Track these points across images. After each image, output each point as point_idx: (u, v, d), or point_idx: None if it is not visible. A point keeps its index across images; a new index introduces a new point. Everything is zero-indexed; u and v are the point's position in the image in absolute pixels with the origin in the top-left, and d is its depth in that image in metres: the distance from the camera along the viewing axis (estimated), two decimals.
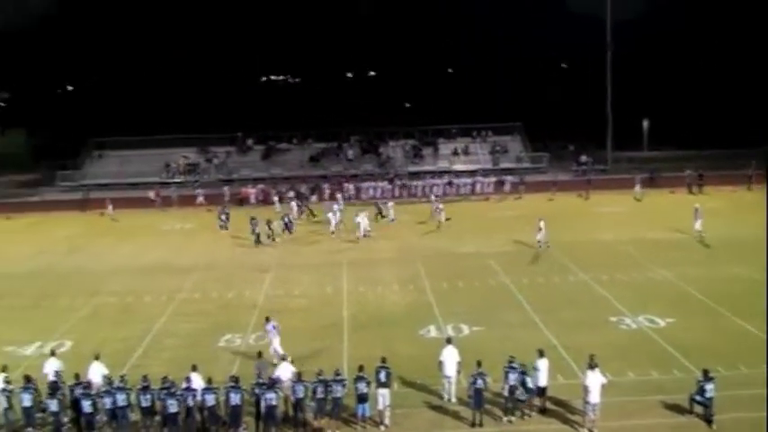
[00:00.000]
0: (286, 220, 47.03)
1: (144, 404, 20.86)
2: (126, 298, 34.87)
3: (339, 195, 55.52)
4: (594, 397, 20.54)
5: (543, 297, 32.55)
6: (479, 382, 21.11)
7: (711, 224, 42.61)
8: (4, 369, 22.43)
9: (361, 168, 66.07)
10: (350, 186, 60.65)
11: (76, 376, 21.73)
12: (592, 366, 20.86)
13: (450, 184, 61.19)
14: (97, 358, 23.06)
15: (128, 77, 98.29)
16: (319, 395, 20.99)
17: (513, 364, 21.55)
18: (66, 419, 21.28)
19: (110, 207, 56.98)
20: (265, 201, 58.21)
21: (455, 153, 67.79)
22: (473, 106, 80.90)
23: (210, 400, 20.80)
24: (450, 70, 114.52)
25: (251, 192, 59.45)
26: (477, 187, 61.27)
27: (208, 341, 28.18)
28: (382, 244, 44.65)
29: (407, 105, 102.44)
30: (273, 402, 20.68)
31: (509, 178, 61.63)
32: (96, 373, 22.53)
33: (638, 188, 56.84)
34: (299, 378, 21.23)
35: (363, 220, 46.54)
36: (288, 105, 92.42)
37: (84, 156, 69.24)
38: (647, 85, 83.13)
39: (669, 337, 26.86)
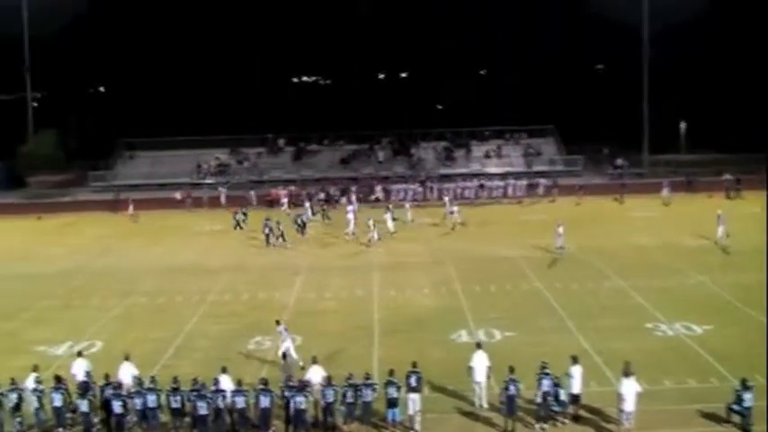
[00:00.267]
0: (299, 221, 47.46)
1: (174, 405, 21.00)
2: (157, 299, 35.21)
3: (353, 197, 55.71)
4: (629, 405, 20.32)
5: (577, 302, 32.35)
6: (512, 388, 20.98)
7: (748, 230, 41.95)
8: (35, 369, 22.66)
9: (392, 170, 66.10)
10: (378, 188, 60.52)
11: (106, 377, 21.95)
12: (627, 374, 20.64)
13: (481, 186, 60.96)
14: (127, 359, 23.27)
15: (160, 78, 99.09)
16: (349, 399, 20.98)
17: (546, 371, 21.42)
18: (96, 420, 21.48)
19: (130, 207, 57.52)
20: (295, 203, 58.40)
21: (487, 155, 67.63)
22: (506, 108, 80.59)
23: (240, 402, 20.89)
24: (482, 72, 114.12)
25: (281, 193, 59.70)
26: (510, 190, 60.93)
27: (238, 343, 28.32)
28: (412, 247, 44.67)
29: (439, 107, 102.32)
30: (303, 406, 20.71)
31: (542, 181, 61.28)
32: (126, 373, 22.74)
33: (665, 192, 56.27)
34: (329, 382, 21.24)
35: (389, 221, 47.05)
36: (319, 106, 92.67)
37: (115, 156, 70.02)
38: (684, 86, 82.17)
39: (706, 345, 26.55)
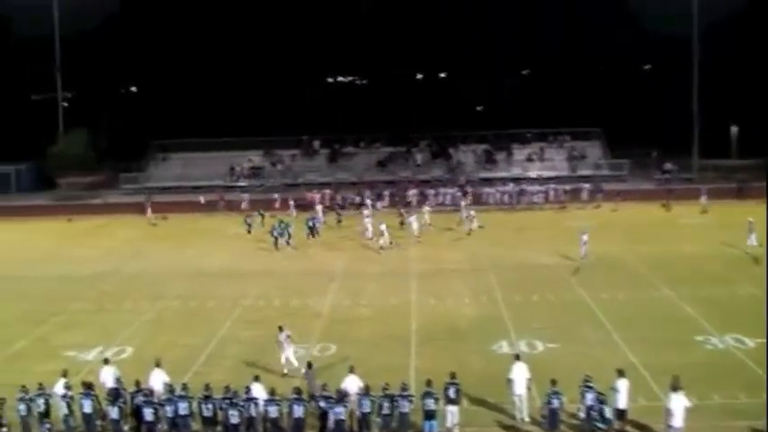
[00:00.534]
0: (311, 224, 48.21)
1: (206, 413, 21.17)
2: (189, 303, 35.56)
3: (368, 201, 55.77)
4: (678, 421, 20.10)
5: (623, 313, 32.03)
6: (555, 401, 20.85)
7: None
8: (65, 374, 22.94)
9: (430, 174, 66.03)
10: (411, 192, 60.46)
11: (137, 383, 22.18)
12: (675, 388, 20.42)
13: (522, 192, 60.59)
14: (158, 365, 23.49)
15: (192, 78, 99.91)
16: (385, 411, 20.96)
17: (590, 384, 21.23)
18: (126, 428, 21.67)
19: (149, 210, 58.10)
20: (331, 206, 58.57)
21: (530, 159, 67.34)
22: (549, 109, 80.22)
23: (273, 411, 20.96)
24: (525, 71, 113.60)
25: (316, 197, 59.89)
26: (552, 195, 60.53)
27: (271, 350, 28.35)
28: (451, 254, 44.65)
29: (480, 108, 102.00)
30: (342, 417, 20.70)
31: (586, 186, 60.74)
32: (157, 380, 22.93)
33: (703, 199, 55.53)
34: (366, 392, 21.27)
35: (414, 224, 47.85)
36: (355, 107, 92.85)
37: (147, 158, 70.82)
38: (735, 88, 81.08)
39: (759, 359, 26.09)
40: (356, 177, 65.65)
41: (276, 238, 46.10)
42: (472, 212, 50.52)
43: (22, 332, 31.94)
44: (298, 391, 21.27)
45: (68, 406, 21.76)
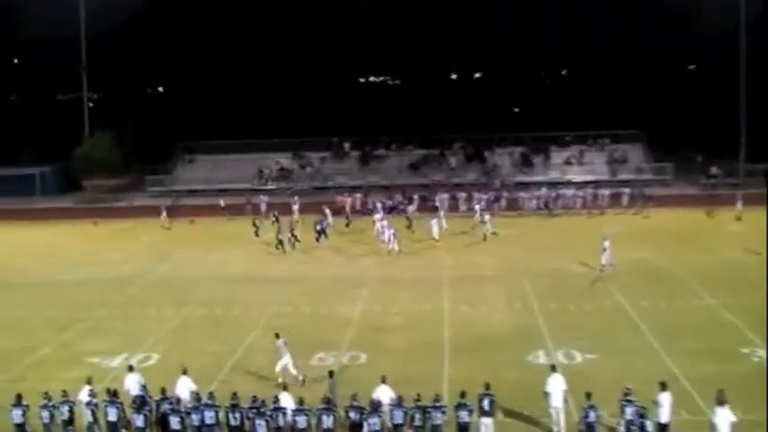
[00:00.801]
0: (319, 227, 49.03)
1: (233, 423, 21.28)
2: (216, 309, 35.81)
3: (379, 205, 55.91)
4: None
5: (666, 322, 31.75)
6: (591, 414, 20.74)
7: None
8: (89, 381, 23.15)
9: (464, 177, 65.91)
10: (439, 196, 60.28)
11: (163, 391, 22.37)
12: (721, 402, 20.21)
13: (557, 197, 60.20)
14: (185, 373, 23.68)
15: (220, 78, 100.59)
16: (417, 422, 20.95)
17: (630, 398, 21.06)
18: None
19: (163, 214, 58.50)
20: (361, 210, 58.65)
21: (568, 162, 66.98)
22: (589, 111, 79.74)
23: (302, 422, 21.03)
24: (564, 71, 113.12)
25: (347, 200, 59.98)
26: (590, 200, 60.03)
27: (299, 359, 28.42)
28: (484, 259, 44.61)
29: (516, 110, 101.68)
30: (377, 428, 20.68)
31: (627, 191, 60.22)
32: (184, 388, 23.13)
33: (739, 205, 54.78)
34: (399, 402, 21.28)
35: (434, 227, 48.56)
36: (387, 108, 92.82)
37: (174, 160, 71.39)
38: None
39: None
40: (388, 181, 65.66)
41: (280, 240, 47.61)
42: (487, 217, 50.74)
43: (46, 338, 32.38)
44: (327, 400, 21.35)
45: (93, 414, 21.99)
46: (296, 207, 57.60)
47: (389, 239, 46.13)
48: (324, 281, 40.80)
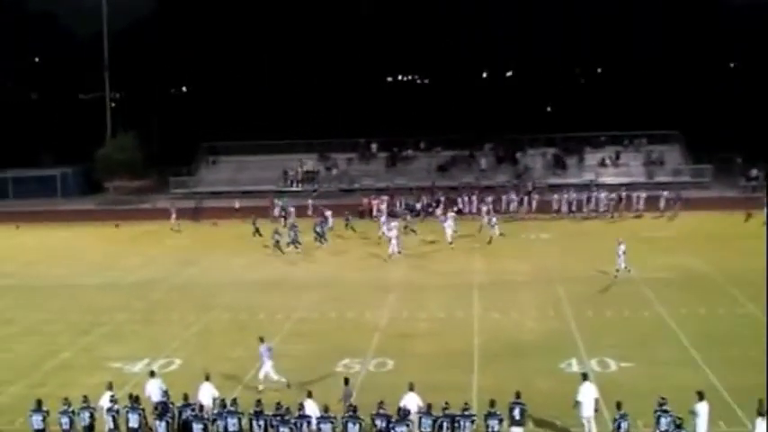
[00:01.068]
0: (318, 230, 49.84)
1: (256, 430, 21.34)
2: (239, 314, 35.97)
3: (383, 207, 55.85)
4: None
5: (704, 331, 31.49)
6: (623, 425, 20.62)
7: None
8: (110, 387, 23.33)
9: (494, 179, 65.68)
10: (462, 199, 60.29)
11: (185, 397, 22.50)
12: (761, 413, 20.05)
13: (588, 199, 59.72)
14: (208, 379, 23.82)
15: (245, 78, 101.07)
16: (445, 431, 20.99)
17: (665, 408, 20.91)
18: None
19: (173, 216, 58.80)
20: (389, 213, 58.56)
21: (603, 164, 66.60)
22: (625, 111, 79.29)
23: (327, 429, 21.07)
24: (598, 70, 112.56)
25: (374, 202, 60.00)
26: (624, 202, 59.41)
27: (324, 365, 28.60)
28: (515, 264, 44.45)
29: (549, 110, 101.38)
30: None
31: (664, 194, 59.67)
32: (206, 394, 23.25)
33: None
34: (428, 410, 21.28)
35: (449, 229, 48.95)
36: (415, 108, 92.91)
37: (198, 161, 71.77)
38: None
39: None
40: (416, 182, 65.60)
41: (277, 242, 48.46)
42: (494, 219, 51.11)
43: (67, 342, 32.73)
44: (353, 408, 21.38)
45: (114, 420, 22.13)
46: (292, 210, 58.24)
47: (394, 244, 46.22)
48: (351, 285, 40.90)
